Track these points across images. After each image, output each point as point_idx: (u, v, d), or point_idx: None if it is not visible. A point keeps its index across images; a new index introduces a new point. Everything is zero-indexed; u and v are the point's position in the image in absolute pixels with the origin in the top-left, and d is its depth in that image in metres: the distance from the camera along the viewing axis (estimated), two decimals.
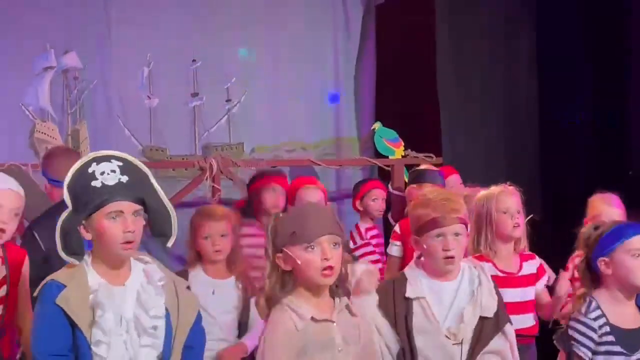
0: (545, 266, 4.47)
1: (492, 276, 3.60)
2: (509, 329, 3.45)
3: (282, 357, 2.86)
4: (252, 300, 3.90)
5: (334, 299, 2.99)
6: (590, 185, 4.86)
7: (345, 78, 7.46)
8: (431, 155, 6.83)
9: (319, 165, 6.83)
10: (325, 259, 2.86)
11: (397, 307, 3.36)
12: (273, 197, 5.37)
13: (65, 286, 2.79)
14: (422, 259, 3.47)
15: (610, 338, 3.38)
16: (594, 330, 3.38)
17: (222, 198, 6.17)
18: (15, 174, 5.43)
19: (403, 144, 6.90)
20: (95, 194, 2.78)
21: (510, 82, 7.24)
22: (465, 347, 3.36)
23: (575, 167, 6.56)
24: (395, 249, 5.13)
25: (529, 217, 4.43)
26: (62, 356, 2.79)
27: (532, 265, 4.42)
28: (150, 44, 6.68)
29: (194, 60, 6.75)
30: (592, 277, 3.49)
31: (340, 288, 2.99)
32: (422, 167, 5.70)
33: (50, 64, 6.16)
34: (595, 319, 3.40)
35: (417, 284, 3.40)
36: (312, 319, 2.90)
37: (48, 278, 2.84)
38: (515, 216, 4.33)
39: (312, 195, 5.34)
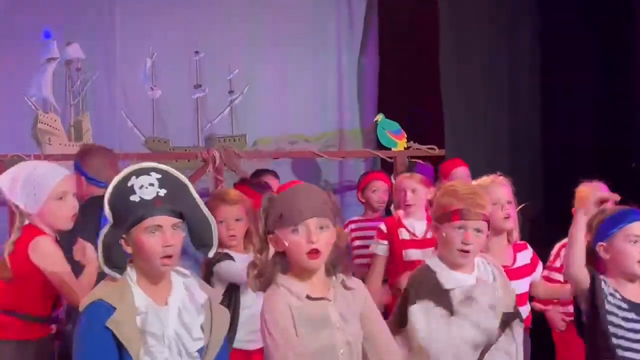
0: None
1: None
2: (517, 327, 3.44)
3: (285, 327, 2.84)
4: None
5: (330, 278, 2.97)
6: (594, 180, 4.82)
7: (349, 70, 7.45)
8: (434, 147, 6.81)
9: (322, 156, 6.83)
10: (310, 241, 2.84)
11: (433, 297, 3.32)
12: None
13: (114, 308, 2.73)
14: (437, 248, 3.46)
15: (624, 305, 3.41)
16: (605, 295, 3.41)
17: None
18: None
19: (406, 135, 6.88)
20: (133, 209, 2.74)
21: (514, 76, 7.23)
22: None
23: (579, 161, 6.55)
24: (381, 247, 4.91)
25: (520, 207, 4.36)
26: None
27: (526, 255, 4.37)
28: (153, 35, 6.67)
29: (196, 52, 6.74)
30: (590, 259, 3.49)
31: (338, 266, 2.97)
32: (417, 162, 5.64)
33: (53, 55, 6.14)
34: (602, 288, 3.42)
35: (446, 275, 3.38)
36: (308, 297, 2.89)
37: (95, 297, 2.77)
38: (506, 207, 4.22)
39: None
